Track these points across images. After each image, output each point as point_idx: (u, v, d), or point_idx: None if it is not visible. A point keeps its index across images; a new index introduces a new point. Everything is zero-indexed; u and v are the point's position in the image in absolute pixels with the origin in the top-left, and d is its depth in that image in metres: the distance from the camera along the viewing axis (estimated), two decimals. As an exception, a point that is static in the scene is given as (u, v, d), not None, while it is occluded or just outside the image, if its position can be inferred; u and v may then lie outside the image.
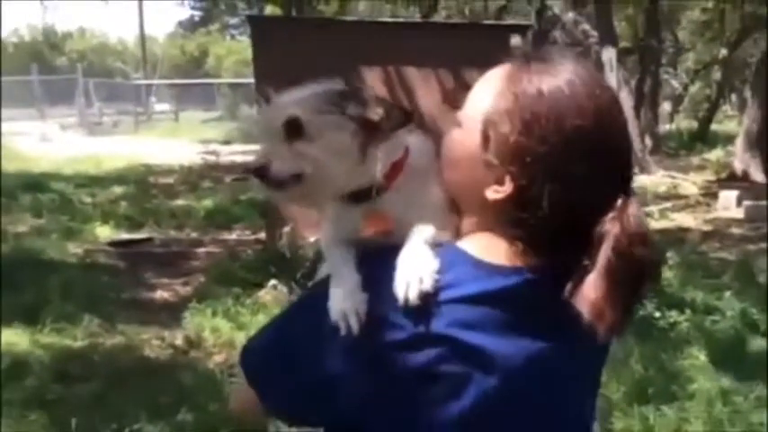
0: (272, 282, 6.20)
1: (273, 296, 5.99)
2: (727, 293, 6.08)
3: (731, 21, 21.37)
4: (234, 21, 27.69)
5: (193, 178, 14.01)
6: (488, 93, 1.11)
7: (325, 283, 1.12)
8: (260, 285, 6.31)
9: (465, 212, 1.16)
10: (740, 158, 13.46)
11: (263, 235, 8.61)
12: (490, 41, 6.74)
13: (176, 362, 5.05)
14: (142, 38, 36.27)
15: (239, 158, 16.94)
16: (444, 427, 1.06)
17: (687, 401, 4.21)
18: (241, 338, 5.31)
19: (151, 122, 29.37)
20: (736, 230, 9.40)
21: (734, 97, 31.49)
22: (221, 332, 5.45)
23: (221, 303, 5.77)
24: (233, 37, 36.78)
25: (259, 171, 1.12)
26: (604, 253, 1.02)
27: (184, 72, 41.22)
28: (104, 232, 8.98)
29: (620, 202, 1.04)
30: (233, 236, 9.16)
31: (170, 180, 13.95)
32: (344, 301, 1.07)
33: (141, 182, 13.46)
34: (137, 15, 44.07)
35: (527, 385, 1.09)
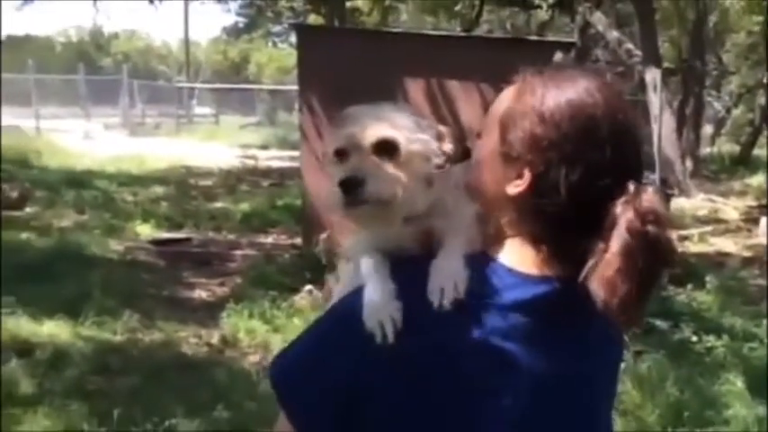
0: (308, 287, 6.27)
1: (309, 301, 6.05)
2: (765, 321, 5.99)
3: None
4: (276, 29, 28.02)
5: (232, 181, 14.19)
6: (505, 97, 1.18)
7: (356, 293, 1.13)
8: (296, 290, 6.39)
9: (491, 215, 1.18)
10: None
11: (298, 240, 8.72)
12: (534, 57, 6.73)
13: (212, 360, 5.14)
14: (186, 42, 36.85)
15: (276, 163, 17.14)
16: None
17: (722, 427, 4.17)
18: (276, 341, 5.39)
19: (192, 125, 29.79)
20: (776, 257, 9.24)
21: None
22: (256, 333, 5.53)
23: (257, 305, 5.85)
24: (275, 44, 37.22)
25: (351, 185, 1.10)
26: (618, 233, 1.04)
27: (225, 77, 41.75)
28: (145, 230, 9.14)
29: (632, 187, 1.06)
30: (269, 239, 9.26)
31: (209, 182, 14.16)
32: (380, 309, 1.08)
33: (181, 183, 13.68)
34: (181, 19, 44.75)
35: (556, 392, 1.12)
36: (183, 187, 13.15)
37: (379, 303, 1.09)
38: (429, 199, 1.16)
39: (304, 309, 5.89)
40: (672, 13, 17.52)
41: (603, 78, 1.16)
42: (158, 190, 12.57)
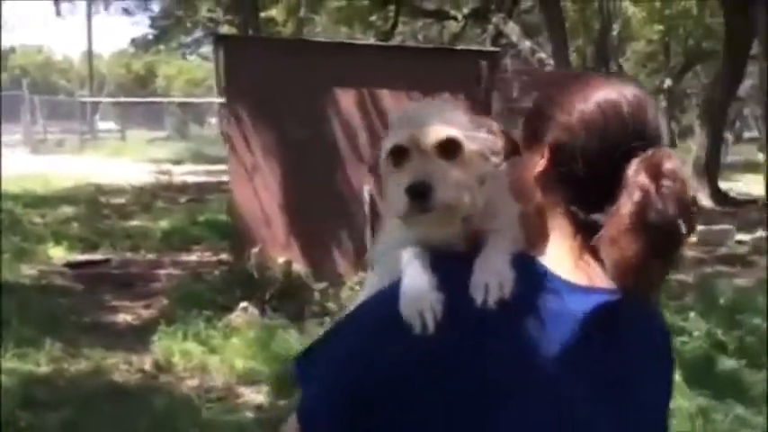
0: (243, 304, 6.06)
1: (245, 319, 5.86)
2: (692, 314, 6.21)
3: (674, 53, 22.20)
4: (186, 40, 27.43)
5: (146, 198, 13.70)
6: None
7: (392, 286, 1.07)
8: (227, 308, 6.17)
9: (529, 211, 1.14)
10: (690, 185, 13.90)
11: (225, 256, 8.49)
12: (460, 66, 6.82)
13: (147, 386, 4.88)
14: (90, 55, 35.53)
15: (192, 178, 16.70)
16: None
17: (667, 421, 4.26)
18: (214, 362, 5.19)
19: (96, 141, 28.74)
20: (691, 253, 9.65)
21: (674, 126, 32.57)
22: (192, 356, 5.30)
23: (191, 326, 5.60)
24: (183, 56, 36.44)
25: (419, 192, 1.03)
26: (628, 191, 1.02)
27: (129, 91, 40.53)
28: (58, 253, 8.68)
29: (649, 151, 1.05)
30: (193, 257, 8.96)
31: (121, 200, 13.62)
32: (420, 299, 1.03)
33: (92, 201, 13.09)
34: (82, 33, 43.17)
35: (591, 406, 1.06)
36: (93, 206, 12.59)
37: (419, 293, 1.03)
38: (483, 199, 1.11)
39: (241, 327, 5.69)
40: (578, 23, 18.16)
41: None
42: (67, 210, 11.98)
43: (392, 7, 15.41)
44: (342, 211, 6.84)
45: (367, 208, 6.77)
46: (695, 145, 14.50)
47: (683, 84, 25.06)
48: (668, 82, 21.52)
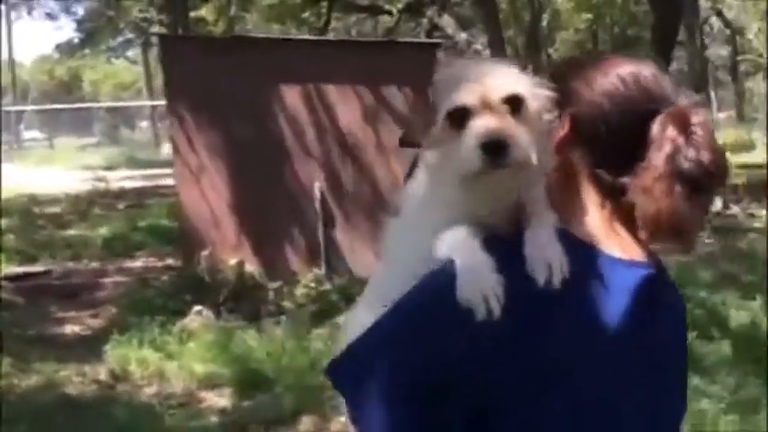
0: (197, 307, 5.94)
1: (200, 323, 5.74)
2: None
3: (602, 41, 22.78)
4: (112, 44, 26.68)
5: (83, 206, 13.28)
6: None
7: (436, 273, 1.02)
8: (180, 312, 6.03)
9: (552, 177, 1.12)
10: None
11: (171, 261, 8.31)
12: (406, 59, 6.82)
13: (105, 398, 4.73)
14: (11, 63, 34.21)
15: (129, 184, 16.29)
16: (565, 418, 1.02)
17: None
18: (172, 368, 5.08)
19: (22, 151, 27.75)
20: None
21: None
22: (149, 363, 5.16)
23: (146, 333, 5.46)
24: (109, 60, 35.45)
25: (496, 148, 0.98)
26: (656, 144, 1.04)
27: (53, 98, 39.23)
28: (-6, 266, 8.33)
29: (673, 108, 1.06)
30: (137, 264, 8.73)
31: (56, 209, 13.17)
32: (481, 283, 0.98)
33: (25, 212, 12.62)
34: (2, 39, 41.57)
35: (632, 373, 1.07)
36: (28, 217, 12.14)
37: (480, 276, 0.98)
38: (547, 169, 1.08)
39: (197, 331, 5.57)
40: (508, 14, 18.45)
41: None
42: (1, 222, 11.51)
43: (325, 3, 15.33)
44: (292, 208, 6.78)
45: (318, 204, 6.72)
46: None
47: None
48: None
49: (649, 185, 1.02)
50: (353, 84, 6.56)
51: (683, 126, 1.04)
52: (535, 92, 1.05)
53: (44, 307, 6.92)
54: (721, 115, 31.66)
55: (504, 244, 1.03)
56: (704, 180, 1.03)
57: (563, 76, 1.14)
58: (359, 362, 1.05)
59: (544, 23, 20.16)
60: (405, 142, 1.12)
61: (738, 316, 5.73)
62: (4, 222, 11.49)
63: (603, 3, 18.32)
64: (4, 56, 33.95)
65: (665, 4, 8.51)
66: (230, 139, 6.75)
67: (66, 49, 25.28)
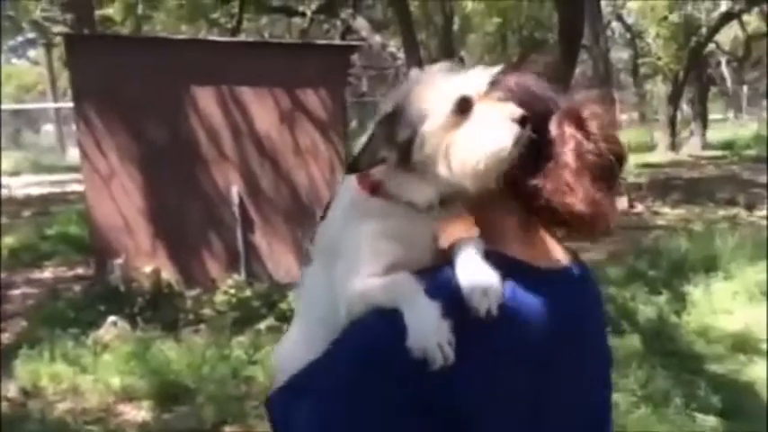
0: (111, 318, 5.74)
1: (115, 334, 5.55)
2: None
3: (510, 45, 23.31)
4: (11, 43, 25.45)
5: (-15, 215, 12.62)
6: None
7: (375, 324, 1.02)
8: (95, 324, 5.82)
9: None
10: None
11: (81, 270, 8.02)
12: (323, 61, 6.81)
13: (16, 415, 4.51)
14: None
15: (35, 190, 15.60)
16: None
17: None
18: (86, 382, 4.90)
19: None
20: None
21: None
22: (62, 377, 4.95)
23: (58, 346, 5.25)
24: (8, 61, 33.81)
25: (524, 121, 1.04)
26: (563, 145, 1.08)
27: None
28: None
29: (563, 106, 1.12)
30: (47, 274, 8.38)
31: (-44, 218, 12.48)
32: (434, 333, 0.98)
33: None
34: None
35: (562, 377, 1.11)
36: (-77, 226, 11.45)
37: (430, 327, 0.98)
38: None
39: (112, 343, 5.39)
40: (421, 17, 18.64)
41: None
42: None
43: (236, 3, 15.09)
44: (209, 212, 6.65)
45: (236, 209, 6.61)
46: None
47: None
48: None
49: (567, 182, 1.06)
50: (269, 86, 6.48)
51: (578, 122, 1.09)
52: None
53: (-55, 322, 6.53)
54: (624, 116, 33.01)
55: (435, 276, 1.05)
56: (608, 169, 1.09)
57: None
58: (295, 401, 1.05)
59: (456, 27, 20.49)
60: (355, 168, 1.08)
61: (646, 311, 5.98)
62: None
63: (511, 7, 18.80)
64: None
65: (568, 9, 8.80)
66: (141, 142, 6.56)
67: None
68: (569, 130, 1.09)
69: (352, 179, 1.10)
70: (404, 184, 1.06)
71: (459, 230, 1.07)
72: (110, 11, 15.65)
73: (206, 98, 6.57)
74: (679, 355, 5.23)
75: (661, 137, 22.25)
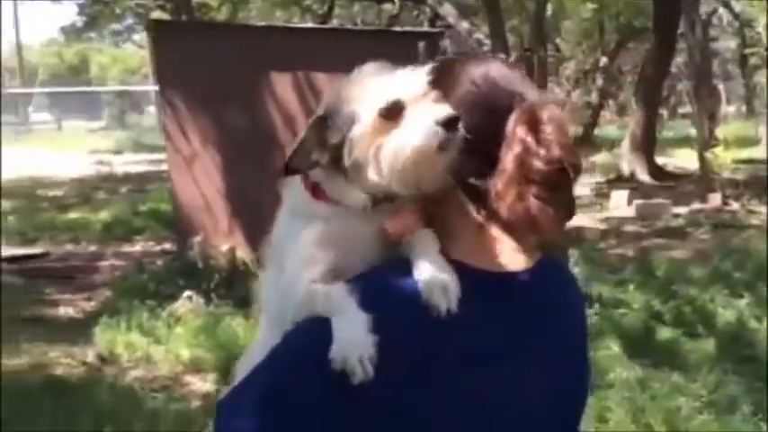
0: (187, 293, 6.00)
1: (189, 308, 5.80)
2: (631, 287, 6.39)
3: (608, 31, 22.63)
4: (117, 27, 26.73)
5: (86, 190, 13.38)
6: None
7: (313, 328, 1.02)
8: (173, 297, 6.09)
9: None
10: (627, 160, 14.24)
11: (168, 245, 8.37)
12: (399, 48, 6.82)
13: (91, 379, 4.80)
14: (18, 46, 34.36)
15: (133, 168, 16.37)
16: None
17: (607, 390, 4.39)
18: (158, 352, 5.14)
19: (31, 133, 27.87)
20: (629, 228, 9.92)
21: (611, 103, 33.26)
22: (136, 347, 5.23)
23: (135, 317, 5.53)
24: (116, 44, 35.49)
25: (451, 123, 1.00)
26: (509, 148, 1.03)
27: (63, 81, 39.33)
28: (-5, 248, 8.43)
29: (525, 104, 1.05)
30: (136, 248, 8.81)
31: (60, 192, 13.28)
32: (356, 347, 0.97)
33: (29, 195, 12.75)
34: (9, 23, 41.72)
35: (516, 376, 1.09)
36: (31, 199, 12.27)
37: (352, 340, 0.98)
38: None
39: (185, 316, 5.64)
40: (513, 3, 18.34)
41: None
42: (4, 204, 11.62)
43: (329, -10, 15.31)
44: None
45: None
46: (632, 121, 14.82)
47: (618, 61, 25.54)
48: (604, 60, 21.93)
49: (501, 190, 1.02)
50: (346, 72, 6.54)
51: (533, 123, 1.03)
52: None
53: (40, 289, 6.99)
54: (730, 108, 31.43)
55: (390, 273, 1.05)
56: (558, 178, 1.02)
57: None
58: (237, 405, 1.05)
59: (549, 13, 20.05)
60: (290, 170, 1.08)
61: (725, 314, 5.74)
62: (8, 204, 11.61)
63: (609, -8, 18.26)
64: (11, 38, 34.08)
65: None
66: (222, 126, 6.78)
67: (71, 33, 25.32)
68: (520, 131, 1.03)
69: (298, 180, 1.09)
70: (338, 187, 1.06)
71: (411, 223, 1.07)
72: (207, -3, 16.17)
73: (284, 84, 6.72)
74: (756, 361, 5.00)
75: (765, 131, 21.08)
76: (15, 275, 7.30)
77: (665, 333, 5.37)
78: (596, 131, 23.85)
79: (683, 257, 7.86)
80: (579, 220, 10.66)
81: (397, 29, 8.68)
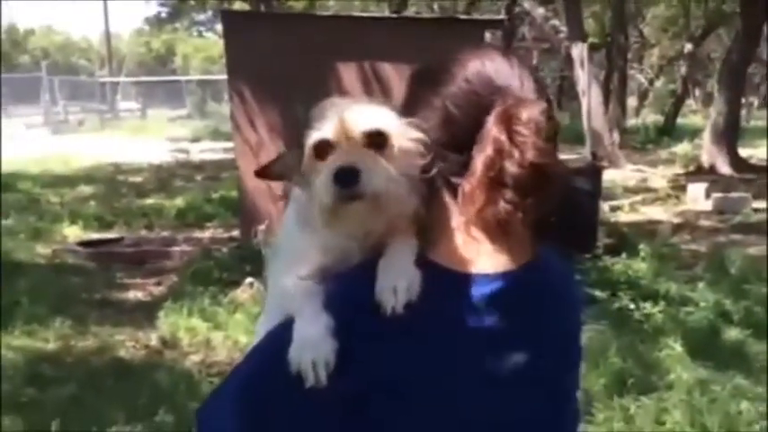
0: (249, 280, 6.12)
1: (250, 294, 5.92)
2: (701, 284, 6.16)
3: (695, 17, 21.73)
4: (201, 17, 27.43)
5: (164, 176, 13.83)
6: None
7: (288, 328, 1.04)
8: (236, 284, 6.24)
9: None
10: (707, 152, 13.66)
11: (236, 233, 8.55)
12: (464, 36, 6.74)
13: (151, 362, 4.97)
14: (107, 35, 35.73)
15: (209, 156, 16.80)
16: None
17: (666, 392, 4.25)
18: (218, 338, 5.27)
19: (117, 121, 28.97)
20: (705, 222, 9.54)
21: (697, 92, 32.00)
22: (197, 332, 5.37)
23: (197, 303, 5.69)
24: (200, 34, 36.47)
25: (347, 177, 0.99)
26: (482, 149, 1.01)
27: (150, 70, 40.72)
28: (73, 232, 8.83)
29: (507, 103, 1.02)
30: (206, 234, 9.04)
31: (139, 179, 13.77)
32: (314, 350, 0.99)
33: (110, 181, 13.27)
34: (101, 12, 43.42)
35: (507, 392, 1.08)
36: (111, 185, 12.76)
37: (311, 342, 1.00)
38: (413, 204, 1.06)
39: (245, 302, 5.76)
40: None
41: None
42: (86, 189, 12.14)
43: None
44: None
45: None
46: (713, 110, 14.21)
47: (705, 48, 24.55)
48: (689, 47, 21.08)
49: (469, 193, 1.01)
50: (409, 62, 6.52)
51: (509, 123, 1.00)
52: (403, 132, 1.04)
53: (112, 273, 7.26)
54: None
55: (359, 273, 1.05)
56: (532, 182, 0.99)
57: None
58: (215, 402, 1.10)
59: (631, -1, 19.44)
60: (261, 174, 1.12)
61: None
62: (89, 190, 12.12)
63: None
64: (101, 28, 35.49)
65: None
66: (288, 116, 6.86)
67: (155, 23, 26.13)
68: (495, 131, 1.00)
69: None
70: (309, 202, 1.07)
71: (395, 231, 1.06)
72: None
73: (350, 74, 6.75)
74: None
75: None
76: (90, 259, 7.60)
77: (731, 333, 5.15)
78: (680, 120, 23.02)
79: (759, 255, 7.50)
80: (653, 212, 10.34)
81: (462, 17, 8.57)
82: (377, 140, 1.02)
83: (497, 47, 1.16)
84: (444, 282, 1.04)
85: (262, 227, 6.86)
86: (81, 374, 4.64)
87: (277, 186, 6.97)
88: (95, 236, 8.66)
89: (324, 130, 1.03)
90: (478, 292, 1.05)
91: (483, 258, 1.06)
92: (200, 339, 5.29)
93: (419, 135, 1.05)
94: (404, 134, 1.04)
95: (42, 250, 7.86)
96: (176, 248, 8.14)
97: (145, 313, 5.92)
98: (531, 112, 1.01)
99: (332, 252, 1.08)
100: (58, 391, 4.37)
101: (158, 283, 6.94)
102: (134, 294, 6.64)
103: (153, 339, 5.30)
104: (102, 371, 4.75)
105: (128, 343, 5.28)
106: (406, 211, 1.05)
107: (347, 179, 0.99)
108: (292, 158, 1.09)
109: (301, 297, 1.04)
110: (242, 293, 5.98)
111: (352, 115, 1.03)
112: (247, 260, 6.67)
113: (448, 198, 1.07)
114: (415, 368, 1.02)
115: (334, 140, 1.02)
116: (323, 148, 1.03)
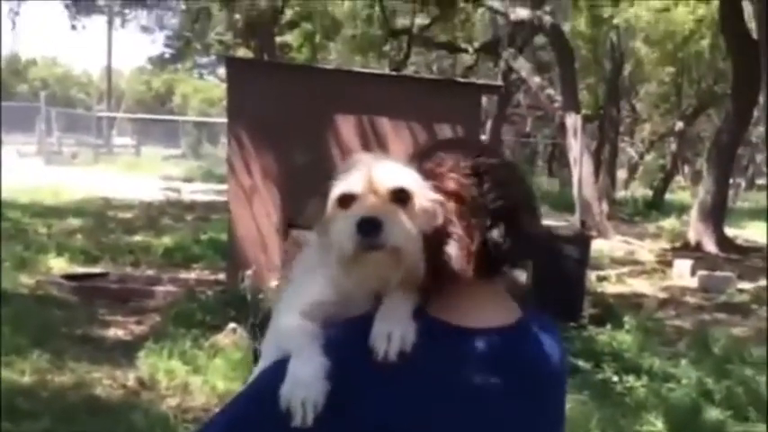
0: (232, 325, 6.06)
1: (232, 340, 5.86)
2: (683, 361, 6.16)
3: (687, 96, 22.22)
4: (203, 61, 27.82)
5: (153, 214, 13.80)
6: None
7: (279, 367, 1.07)
8: (218, 328, 6.17)
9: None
10: (694, 229, 13.79)
11: (222, 276, 8.51)
12: (462, 98, 6.88)
13: (127, 403, 4.88)
14: (108, 70, 36.08)
15: (200, 197, 16.81)
16: None
17: (645, 468, 4.22)
18: (196, 382, 5.20)
19: (111, 156, 29.02)
20: (690, 299, 9.58)
21: (686, 169, 32.47)
22: (175, 374, 5.30)
23: (178, 345, 5.62)
24: (201, 76, 36.91)
25: (370, 227, 1.03)
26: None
27: (148, 108, 41.01)
28: (59, 264, 8.76)
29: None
30: (192, 275, 8.99)
31: (129, 215, 13.73)
32: (302, 390, 1.02)
33: (99, 215, 13.21)
34: (104, 47, 43.93)
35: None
36: (100, 220, 12.70)
37: (303, 382, 1.03)
38: (421, 259, 1.10)
39: (226, 348, 5.69)
40: (590, 62, 18.28)
41: None
42: (74, 222, 12.09)
43: (405, 38, 15.59)
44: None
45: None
46: (702, 189, 14.41)
47: (696, 127, 25.03)
48: (680, 124, 21.50)
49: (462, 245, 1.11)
50: (407, 119, 6.64)
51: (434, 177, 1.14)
52: (425, 192, 1.11)
53: (95, 308, 7.18)
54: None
55: (360, 322, 1.09)
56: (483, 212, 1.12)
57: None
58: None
59: (626, 73, 19.87)
60: (294, 225, 1.20)
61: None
62: (77, 223, 12.06)
63: (689, 56, 17.95)
64: (103, 63, 35.89)
65: (745, 59, 8.27)
66: (284, 164, 6.92)
67: (157, 63, 26.47)
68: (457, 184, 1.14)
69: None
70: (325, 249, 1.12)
71: (398, 285, 1.10)
72: (288, 38, 16.68)
73: (348, 127, 6.84)
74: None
75: None
76: (73, 293, 7.53)
77: (713, 413, 5.13)
78: (669, 196, 23.31)
79: (742, 335, 7.54)
80: (639, 285, 10.39)
81: (461, 80, 8.74)
82: (400, 197, 1.07)
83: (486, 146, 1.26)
84: (439, 334, 1.08)
85: (249, 272, 6.84)
86: (55, 410, 4.56)
87: (269, 235, 7.00)
88: (80, 269, 8.60)
89: (351, 182, 1.08)
90: (472, 345, 1.09)
91: (478, 313, 1.11)
92: (179, 383, 5.21)
93: (437, 197, 1.10)
94: (424, 194, 1.10)
95: (26, 280, 7.79)
96: (161, 288, 8.08)
97: (124, 352, 5.85)
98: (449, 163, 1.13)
99: (339, 299, 1.11)
100: (30, 425, 4.29)
101: (140, 322, 6.87)
102: (115, 332, 6.56)
103: (131, 379, 5.22)
104: (78, 407, 4.67)
105: (105, 381, 5.20)
106: (418, 265, 1.09)
107: (370, 229, 1.02)
108: (314, 207, 1.13)
109: (301, 337, 1.07)
110: (224, 338, 5.92)
111: (379, 171, 1.08)
112: (231, 305, 6.62)
113: (446, 255, 1.11)
114: (404, 416, 1.04)
115: (360, 193, 1.07)
116: (347, 200, 1.08)
